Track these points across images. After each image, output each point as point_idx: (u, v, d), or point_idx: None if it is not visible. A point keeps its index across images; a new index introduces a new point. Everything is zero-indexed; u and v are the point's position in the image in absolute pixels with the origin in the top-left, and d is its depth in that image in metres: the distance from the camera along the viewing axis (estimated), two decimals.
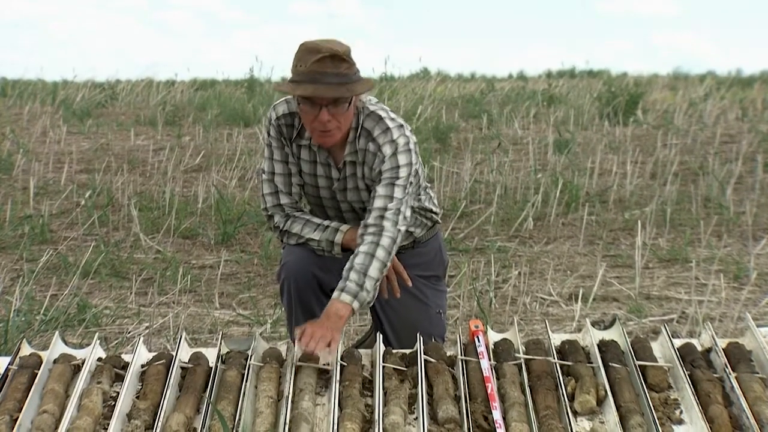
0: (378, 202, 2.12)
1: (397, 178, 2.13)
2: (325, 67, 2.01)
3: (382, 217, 2.10)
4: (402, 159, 2.14)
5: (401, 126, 2.19)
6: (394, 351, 2.04)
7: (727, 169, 5.96)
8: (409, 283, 2.27)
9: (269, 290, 3.64)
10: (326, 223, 2.26)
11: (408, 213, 2.15)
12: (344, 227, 2.24)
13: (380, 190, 2.12)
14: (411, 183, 2.17)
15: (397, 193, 2.12)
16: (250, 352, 1.99)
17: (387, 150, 2.14)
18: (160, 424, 1.73)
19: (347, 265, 2.06)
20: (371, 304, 2.14)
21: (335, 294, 2.02)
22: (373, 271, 2.04)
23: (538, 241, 4.44)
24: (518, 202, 5.12)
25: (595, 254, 4.15)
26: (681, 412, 1.80)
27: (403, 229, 2.13)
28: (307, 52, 2.03)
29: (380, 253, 2.06)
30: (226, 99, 10.02)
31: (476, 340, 2.00)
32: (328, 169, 2.24)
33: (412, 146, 2.18)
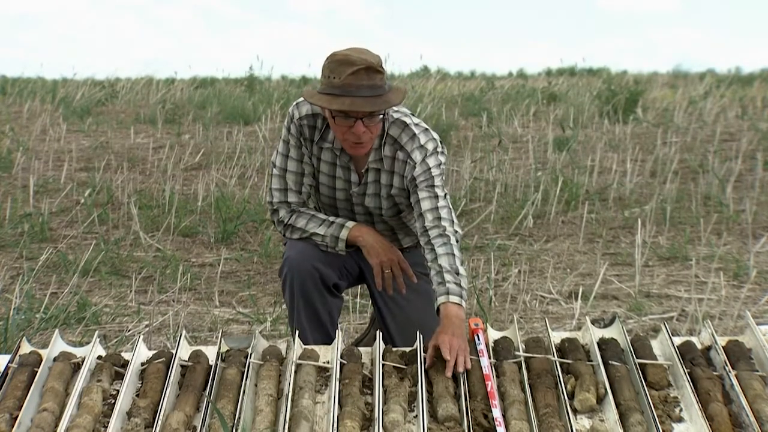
0: (426, 204, 2.12)
1: (432, 178, 2.14)
2: (360, 80, 1.98)
3: (439, 219, 2.10)
4: (432, 161, 2.16)
5: (427, 130, 2.21)
6: (394, 349, 2.04)
7: (726, 167, 5.96)
8: (415, 280, 2.28)
9: (269, 288, 3.64)
10: (332, 218, 2.25)
11: (453, 213, 2.17)
12: (350, 223, 2.24)
13: (422, 194, 2.13)
14: (445, 185, 2.18)
15: (439, 192, 2.14)
16: (249, 350, 1.99)
17: (417, 156, 2.15)
18: (159, 422, 1.73)
19: (433, 271, 2.04)
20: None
21: (440, 299, 1.99)
22: (461, 267, 2.04)
23: (538, 239, 4.44)
24: (518, 200, 5.12)
25: (595, 252, 4.15)
26: (681, 410, 1.80)
27: (460, 230, 2.15)
28: (340, 64, 1.99)
29: (456, 250, 2.06)
30: (225, 97, 10.01)
31: (476, 338, 2.00)
32: (347, 173, 2.24)
33: (440, 149, 2.20)
